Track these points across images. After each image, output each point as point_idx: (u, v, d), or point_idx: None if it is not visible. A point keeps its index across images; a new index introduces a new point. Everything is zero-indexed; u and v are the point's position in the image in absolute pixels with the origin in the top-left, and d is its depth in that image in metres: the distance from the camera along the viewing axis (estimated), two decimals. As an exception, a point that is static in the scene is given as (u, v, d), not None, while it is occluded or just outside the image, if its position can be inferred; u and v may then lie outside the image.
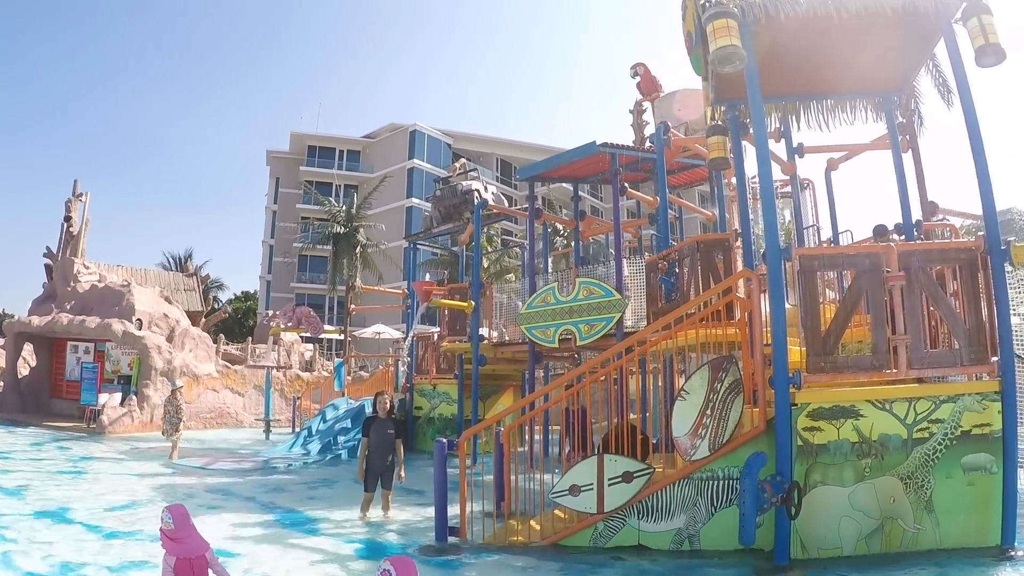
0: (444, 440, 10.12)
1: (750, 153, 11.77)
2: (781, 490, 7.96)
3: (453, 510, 9.97)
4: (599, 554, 9.01)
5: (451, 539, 9.83)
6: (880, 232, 11.56)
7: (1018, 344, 12.25)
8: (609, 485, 9.01)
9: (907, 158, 13.94)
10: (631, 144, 17.68)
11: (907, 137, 14.39)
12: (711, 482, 8.90)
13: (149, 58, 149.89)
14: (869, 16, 9.10)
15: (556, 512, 9.78)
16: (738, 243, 12.14)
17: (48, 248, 32.96)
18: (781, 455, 8.37)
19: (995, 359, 8.70)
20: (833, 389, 8.75)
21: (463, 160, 29.55)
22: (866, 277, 8.76)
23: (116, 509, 11.78)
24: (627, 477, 8.99)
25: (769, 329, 8.86)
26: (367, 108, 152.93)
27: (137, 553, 8.89)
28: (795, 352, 8.85)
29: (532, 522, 9.90)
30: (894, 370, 8.65)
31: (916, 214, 13.09)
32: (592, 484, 9.06)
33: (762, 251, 9.25)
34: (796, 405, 8.50)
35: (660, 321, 10.08)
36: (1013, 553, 8.22)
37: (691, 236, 13.00)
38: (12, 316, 36.06)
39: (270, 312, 50.18)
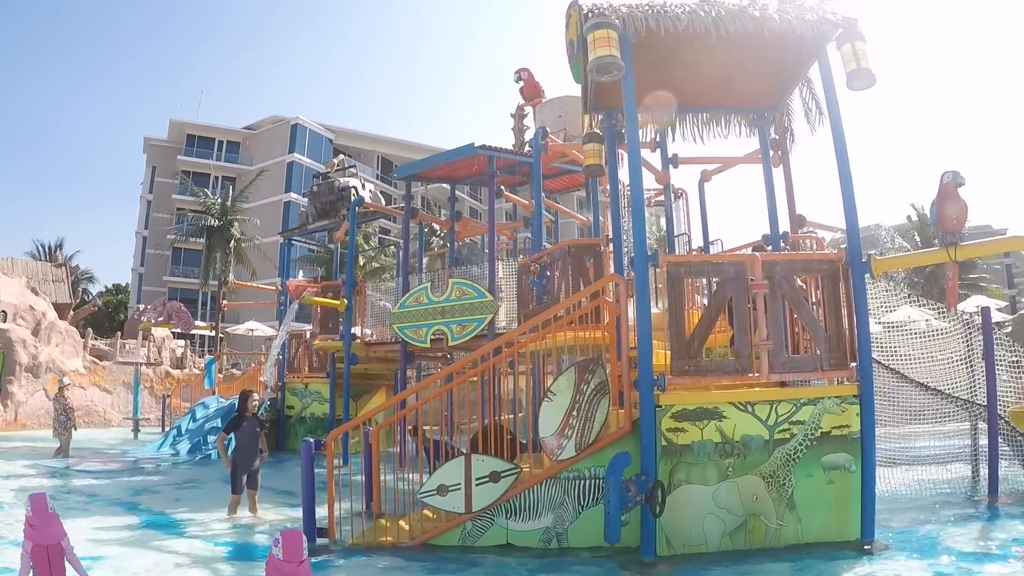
0: (311, 440, 9.99)
1: (625, 161, 12.01)
2: (645, 489, 8.15)
3: (322, 511, 9.85)
4: (468, 553, 9.04)
5: (320, 540, 9.70)
6: (758, 247, 11.95)
7: (877, 350, 12.92)
8: (477, 485, 9.06)
9: (778, 172, 14.49)
10: (511, 148, 17.81)
11: (779, 152, 14.95)
12: (578, 481, 9.03)
13: (23, 37, 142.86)
14: (747, 36, 9.39)
15: (425, 512, 9.78)
16: (609, 249, 12.38)
17: None
18: (646, 455, 8.56)
19: (854, 364, 9.12)
20: (697, 392, 9.01)
21: (342, 156, 29.31)
22: (731, 284, 9.06)
23: None
24: (494, 477, 9.05)
25: (636, 333, 9.03)
26: (250, 99, 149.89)
27: None
28: (661, 355, 9.05)
29: (401, 522, 9.86)
30: (756, 374, 8.95)
31: (785, 226, 13.62)
32: (460, 484, 9.09)
33: (631, 257, 9.46)
34: (660, 407, 8.70)
35: (529, 323, 10.22)
36: (871, 546, 8.65)
37: (564, 240, 13.19)
38: None
39: (141, 306, 48.53)
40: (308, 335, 24.00)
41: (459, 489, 9.10)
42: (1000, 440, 12.26)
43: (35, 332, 27.55)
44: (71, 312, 36.36)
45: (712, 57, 10.46)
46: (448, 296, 14.18)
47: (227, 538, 10.08)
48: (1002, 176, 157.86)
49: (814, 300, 9.63)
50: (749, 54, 10.41)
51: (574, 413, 9.00)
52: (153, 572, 8.33)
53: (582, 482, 9.02)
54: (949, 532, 9.60)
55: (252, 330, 40.65)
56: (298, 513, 10.92)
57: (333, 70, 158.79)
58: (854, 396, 9.04)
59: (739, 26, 9.23)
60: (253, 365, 35.08)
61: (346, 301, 17.67)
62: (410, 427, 11.23)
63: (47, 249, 64.52)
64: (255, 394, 11.94)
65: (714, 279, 9.56)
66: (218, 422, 21.81)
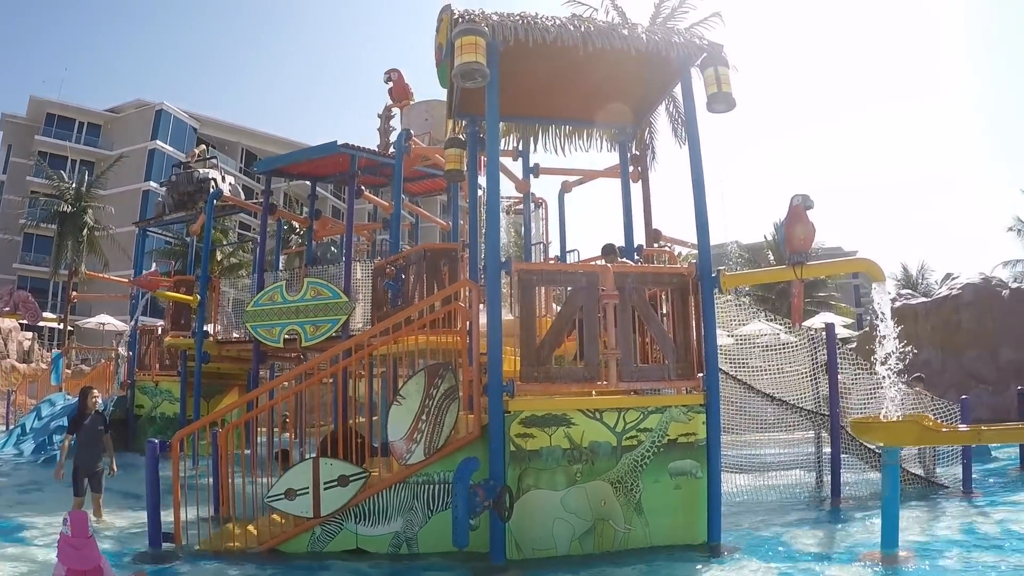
0: (156, 441, 9.73)
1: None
2: (493, 494, 8.26)
3: (169, 515, 9.56)
4: (317, 559, 8.96)
5: (166, 545, 9.45)
6: (608, 251, 12.26)
7: (728, 362, 13.44)
8: (325, 489, 8.99)
9: (638, 187, 14.88)
10: (376, 148, 17.73)
11: (639, 168, 15.32)
12: (427, 486, 9.07)
13: None
14: (614, 53, 9.61)
15: (274, 516, 9.63)
16: (466, 254, 12.48)
17: None
18: (494, 460, 8.67)
19: (701, 375, 9.50)
20: (546, 398, 9.17)
21: (203, 146, 28.55)
22: (582, 294, 9.26)
23: None
24: (343, 481, 9.00)
25: (487, 338, 9.14)
26: (115, 81, 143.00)
27: None
28: (512, 362, 9.18)
29: (250, 527, 9.69)
30: (605, 382, 9.19)
31: (640, 239, 14.00)
32: (308, 488, 9.01)
33: (482, 263, 9.57)
34: (509, 412, 8.83)
35: (380, 325, 10.20)
36: (717, 549, 8.99)
37: (422, 244, 13.23)
38: None
39: (-13, 299, 46.01)
40: (160, 331, 23.31)
41: (307, 493, 9.02)
42: (842, 449, 12.93)
43: None
44: None
45: (579, 72, 10.68)
46: (303, 295, 14.01)
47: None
48: (860, 202, 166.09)
49: (664, 312, 9.92)
50: (616, 71, 10.69)
51: (423, 417, 9.05)
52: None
53: (431, 487, 9.06)
54: (795, 534, 10.08)
55: (103, 324, 39.20)
56: (145, 517, 10.61)
57: (204, 58, 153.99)
58: (700, 405, 9.42)
59: (607, 43, 9.43)
60: (103, 361, 33.82)
61: (199, 297, 17.23)
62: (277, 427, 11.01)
63: None
64: (95, 391, 11.53)
65: (567, 288, 9.74)
66: (64, 421, 20.95)
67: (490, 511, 8.40)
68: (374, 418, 11.09)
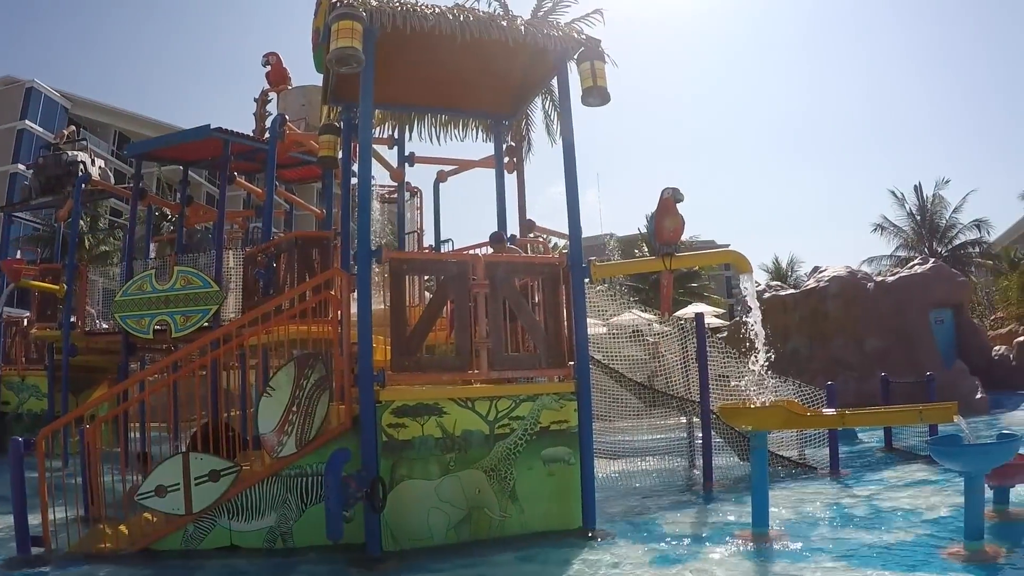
0: (20, 439, 9.37)
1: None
2: (366, 485, 8.28)
3: (37, 517, 9.23)
4: (192, 557, 8.82)
5: (35, 549, 9.14)
6: (497, 239, 12.32)
7: (599, 351, 13.70)
8: (196, 484, 8.85)
9: (512, 178, 15.00)
10: (251, 133, 17.42)
11: (514, 159, 15.45)
12: (300, 479, 9.04)
13: None
14: (492, 43, 9.71)
15: (145, 515, 9.43)
16: (338, 242, 12.42)
17: None
18: (366, 451, 8.70)
19: (572, 363, 9.71)
20: (418, 388, 9.24)
21: (73, 127, 27.45)
22: (453, 283, 9.37)
23: None
24: (214, 476, 8.89)
25: (357, 328, 9.14)
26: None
27: None
28: (383, 351, 9.21)
29: (122, 527, 9.47)
30: (476, 371, 9.32)
31: (514, 230, 14.14)
32: (179, 484, 8.85)
33: (353, 252, 9.54)
34: (381, 402, 8.85)
35: (250, 314, 10.10)
36: (593, 534, 9.21)
37: (294, 231, 13.07)
38: None
39: None
40: (26, 323, 22.40)
41: (178, 490, 8.86)
42: (714, 433, 13.33)
43: None
44: None
45: (457, 61, 10.73)
46: (173, 285, 13.66)
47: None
48: (734, 197, 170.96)
49: (536, 301, 10.08)
50: (493, 62, 10.80)
51: (294, 409, 9.01)
52: None
53: (305, 479, 9.03)
54: (669, 517, 10.37)
55: (-35, 315, 37.36)
56: (11, 520, 10.22)
57: (81, 36, 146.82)
58: (571, 393, 9.63)
59: (484, 33, 9.51)
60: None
61: (66, 286, 16.61)
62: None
63: None
64: None
65: (438, 277, 9.80)
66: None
67: (364, 503, 8.41)
68: (249, 410, 10.94)
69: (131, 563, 8.71)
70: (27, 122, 66.52)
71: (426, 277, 11.51)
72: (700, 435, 13.79)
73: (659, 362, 14.89)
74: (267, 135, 15.90)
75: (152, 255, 20.48)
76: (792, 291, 29.31)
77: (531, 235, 17.79)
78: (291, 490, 9.03)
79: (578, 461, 9.54)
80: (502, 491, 9.23)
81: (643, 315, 16.88)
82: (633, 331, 15.58)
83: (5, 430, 20.58)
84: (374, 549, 8.60)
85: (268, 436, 8.99)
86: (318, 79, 12.42)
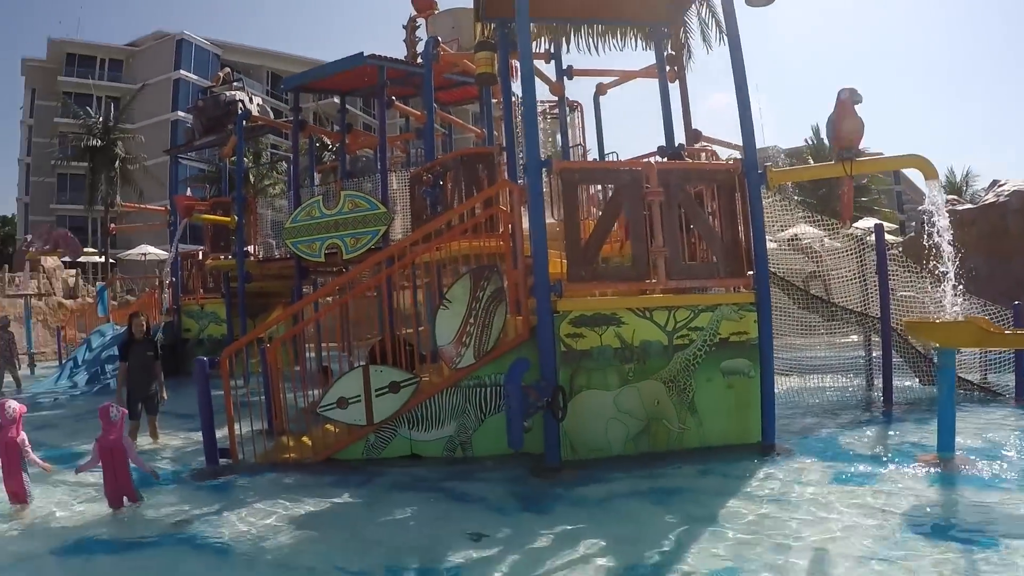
0: (205, 359, 9.71)
1: (518, 71, 11.82)
2: (546, 394, 8.16)
3: (223, 432, 9.66)
4: (372, 465, 9.00)
5: (223, 461, 9.56)
6: (667, 150, 11.90)
7: (773, 265, 13.14)
8: (376, 396, 8.98)
9: (675, 88, 14.47)
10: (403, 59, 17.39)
11: (675, 68, 14.88)
12: (479, 389, 9.04)
13: None
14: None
15: (327, 427, 9.65)
16: (503, 158, 12.26)
17: None
18: (545, 361, 8.54)
19: (751, 273, 9.27)
20: (595, 298, 9.03)
21: (227, 69, 28.16)
22: (626, 191, 9.04)
23: None
24: (394, 387, 8.99)
25: (530, 240, 8.97)
26: (132, 15, 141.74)
27: None
28: (558, 264, 9.02)
29: (304, 438, 9.76)
30: (653, 280, 9.01)
31: (680, 140, 13.67)
32: (359, 396, 9.01)
33: (524, 163, 9.35)
34: (558, 313, 8.69)
35: (420, 231, 10.05)
36: (772, 448, 8.89)
37: (458, 149, 12.96)
38: None
39: (28, 237, 46.27)
40: (201, 255, 23.36)
41: (359, 401, 9.02)
42: (894, 352, 12.65)
43: None
44: None
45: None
46: (341, 209, 13.84)
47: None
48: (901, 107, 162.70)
49: (711, 210, 9.68)
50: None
51: (471, 321, 8.97)
52: (58, 508, 8.06)
53: (483, 390, 9.03)
54: (848, 436, 9.86)
55: (145, 254, 39.42)
56: (199, 435, 10.65)
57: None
58: (751, 304, 9.21)
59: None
60: (148, 290, 34.08)
61: (237, 218, 17.12)
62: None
63: None
64: (141, 316, 11.54)
65: (609, 186, 9.52)
66: (115, 350, 21.07)
67: (544, 412, 8.33)
68: (420, 328, 10.99)
69: (315, 471, 8.95)
70: (182, 72, 69.33)
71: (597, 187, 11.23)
72: (879, 353, 13.09)
73: (833, 276, 14.24)
74: (420, 60, 15.81)
75: (316, 183, 20.92)
76: (969, 206, 27.57)
77: (698, 145, 17.20)
78: (470, 400, 9.05)
79: (758, 374, 9.16)
80: (681, 403, 8.98)
81: (813, 228, 16.19)
82: (803, 244, 14.94)
83: (188, 355, 21.66)
84: (553, 459, 8.53)
85: (446, 348, 9.00)
86: (462, 1, 12.19)
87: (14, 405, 8.00)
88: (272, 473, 9.06)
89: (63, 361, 24.13)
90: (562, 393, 8.31)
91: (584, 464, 8.54)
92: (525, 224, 9.38)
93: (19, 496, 7.96)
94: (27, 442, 7.97)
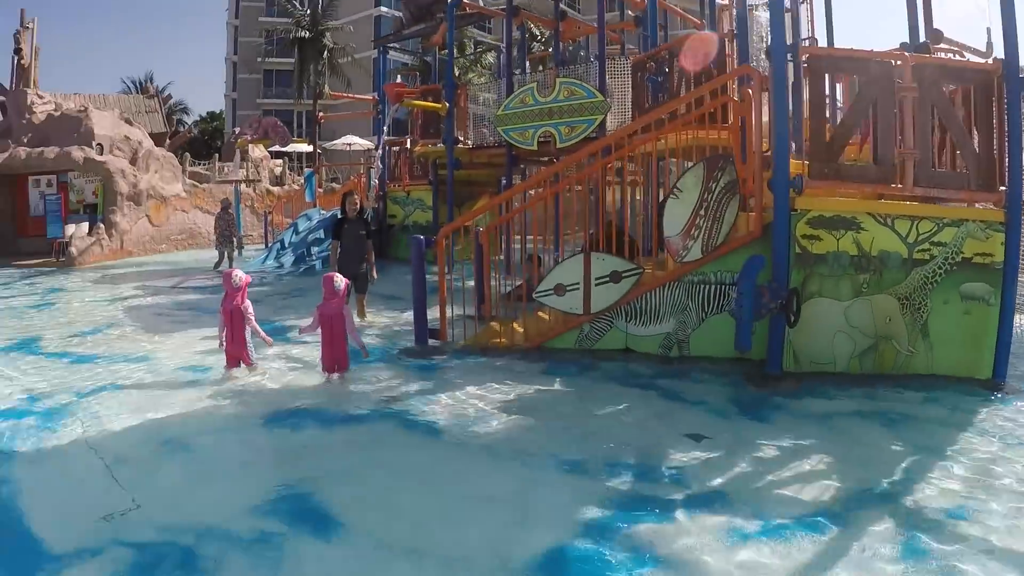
0: (420, 237, 9.60)
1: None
2: (780, 296, 7.58)
3: (432, 313, 9.63)
4: (584, 356, 8.72)
5: (432, 341, 9.54)
6: (915, 46, 10.80)
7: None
8: (596, 285, 8.61)
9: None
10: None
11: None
12: (703, 286, 8.50)
13: None
14: None
15: (540, 314, 9.43)
16: (731, 48, 11.46)
17: (0, 85, 30.47)
18: (778, 261, 7.92)
19: (1003, 189, 8.21)
20: (836, 199, 8.28)
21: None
22: (876, 85, 8.14)
23: (85, 334, 11.20)
24: (615, 277, 8.57)
25: (765, 134, 8.26)
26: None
27: (105, 376, 8.42)
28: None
29: (515, 324, 9.58)
30: (899, 185, 8.16)
31: (923, 37, 12.44)
32: (578, 284, 8.66)
33: (766, 46, 8.57)
34: (796, 211, 7.99)
35: (644, 118, 9.44)
36: (1002, 387, 7.89)
37: (683, 35, 12.13)
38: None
39: (237, 129, 48.26)
40: (408, 143, 23.52)
41: (577, 289, 8.68)
42: None
43: (132, 161, 27.03)
44: (167, 141, 35.57)
45: None
46: (556, 96, 13.34)
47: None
48: None
49: (962, 115, 8.62)
50: None
51: (701, 212, 8.35)
52: (265, 378, 8.26)
53: (707, 287, 8.49)
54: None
55: (350, 144, 40.27)
56: (406, 315, 10.70)
57: None
58: (1000, 223, 8.13)
59: None
60: (352, 178, 34.92)
61: (447, 104, 16.92)
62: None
63: (137, 85, 63.59)
64: (355, 195, 11.57)
65: (857, 78, 8.65)
66: (320, 234, 21.86)
67: (772, 317, 7.76)
68: (639, 217, 10.52)
69: (525, 358, 8.77)
70: (384, -33, 69.58)
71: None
72: None
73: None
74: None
75: (527, 71, 20.47)
76: None
77: (940, 46, 15.70)
78: (692, 297, 8.53)
79: (998, 303, 8.12)
80: (913, 324, 8.13)
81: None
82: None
83: (393, 240, 22.14)
84: (774, 367, 7.96)
85: (673, 239, 8.45)
86: None
87: (240, 274, 8.31)
88: (481, 357, 8.97)
89: (270, 244, 25.03)
90: (797, 296, 7.71)
91: (804, 377, 7.94)
92: (757, 113, 8.67)
93: (243, 358, 8.34)
94: (251, 310, 8.30)
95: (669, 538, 4.40)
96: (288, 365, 8.81)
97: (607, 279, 8.60)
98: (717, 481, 5.25)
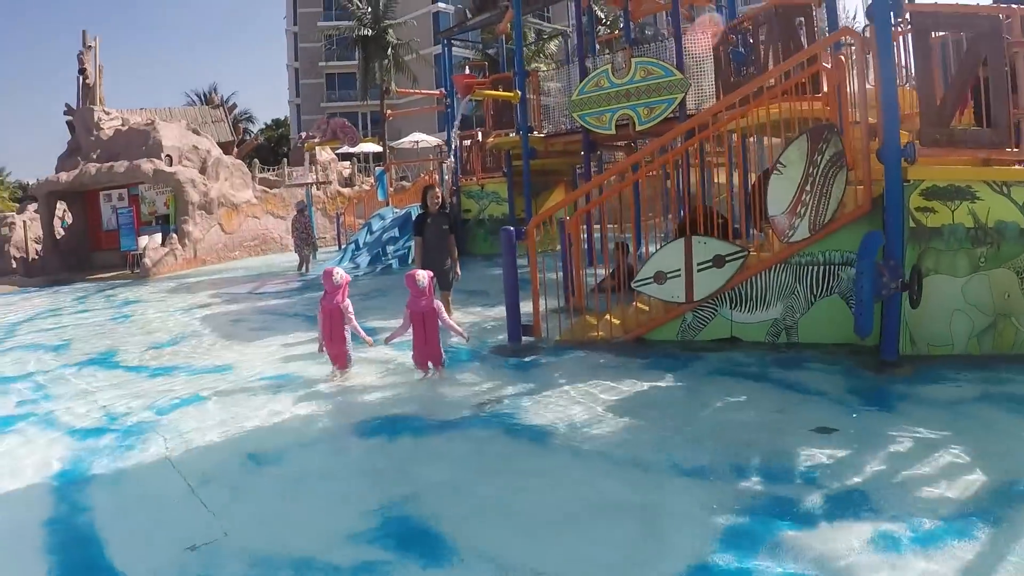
0: (511, 228, 9.22)
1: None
2: (899, 275, 7.05)
3: (523, 308, 9.24)
4: (687, 348, 8.28)
5: (525, 338, 9.15)
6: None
7: None
8: (699, 271, 8.14)
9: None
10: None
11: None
12: (811, 267, 7.96)
13: None
14: None
15: (637, 304, 8.99)
16: (819, 12, 10.88)
17: (67, 105, 30.92)
18: (893, 237, 7.35)
19: None
20: (949, 167, 7.68)
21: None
22: (985, 42, 7.52)
23: (163, 346, 11.17)
24: (718, 261, 8.08)
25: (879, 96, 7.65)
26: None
27: (185, 389, 8.26)
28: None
29: (610, 316, 9.16)
30: (1014, 149, 7.56)
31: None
32: (679, 270, 8.19)
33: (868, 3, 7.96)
34: (908, 182, 7.42)
35: (736, 93, 8.84)
36: None
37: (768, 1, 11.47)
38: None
39: (303, 134, 48.50)
40: (479, 135, 23.20)
41: (679, 276, 8.21)
42: None
43: (202, 170, 27.37)
44: (234, 149, 35.88)
45: None
46: (632, 77, 12.80)
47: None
48: None
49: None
50: None
51: (807, 188, 7.78)
52: (356, 383, 8.01)
53: (815, 268, 7.95)
54: None
55: (417, 142, 40.19)
56: (493, 312, 10.39)
57: None
58: (1123, 193, 7.46)
59: None
60: (422, 175, 34.79)
61: (519, 92, 16.51)
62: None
63: (202, 97, 64.87)
64: (437, 188, 11.23)
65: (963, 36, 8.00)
66: (395, 232, 21.84)
67: (888, 298, 7.23)
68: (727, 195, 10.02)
69: (624, 351, 8.35)
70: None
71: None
72: None
73: None
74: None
75: (597, 53, 19.91)
76: None
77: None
78: (800, 279, 8.02)
79: None
80: (1033, 299, 7.50)
81: None
82: None
83: (468, 235, 21.88)
84: (890, 352, 7.39)
85: (778, 218, 7.90)
86: None
87: (342, 272, 8.17)
88: (578, 351, 8.58)
89: (343, 245, 24.92)
90: (918, 275, 7.18)
91: (921, 361, 7.38)
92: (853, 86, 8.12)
93: (340, 361, 8.20)
94: (351, 309, 8.11)
95: (817, 548, 3.96)
96: (378, 368, 8.53)
97: (710, 264, 8.12)
98: (855, 480, 4.79)
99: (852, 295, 7.74)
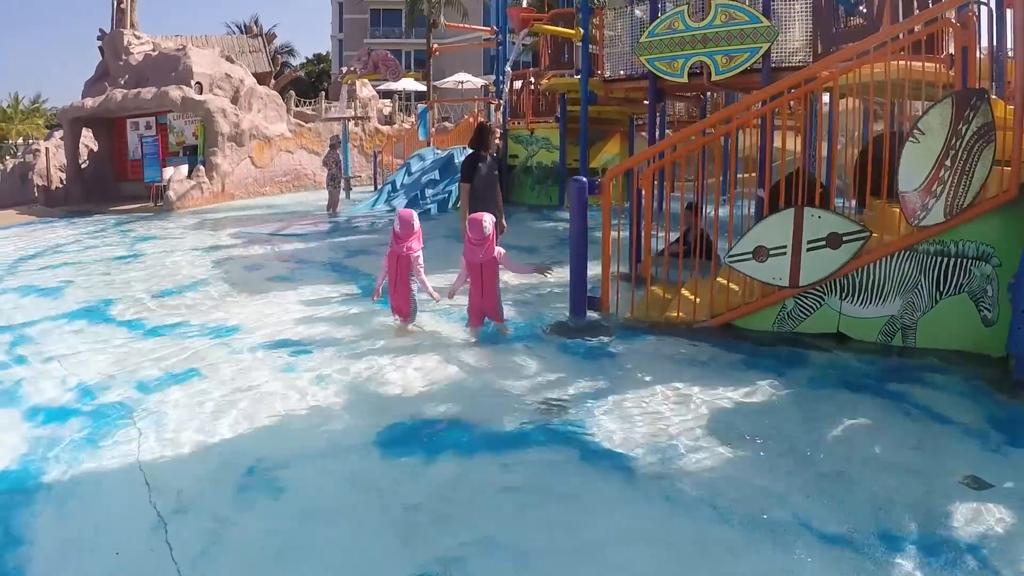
0: (584, 179, 7.77)
1: None
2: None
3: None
4: (784, 341, 6.95)
5: (590, 314, 7.81)
6: None
7: None
8: (808, 250, 6.72)
9: None
10: None
11: None
12: (939, 259, 6.52)
13: None
14: None
15: (720, 280, 7.62)
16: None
17: (101, 30, 29.80)
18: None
19: None
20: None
21: None
22: None
23: (165, 295, 10.06)
24: (834, 241, 6.61)
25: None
26: None
27: (178, 358, 7.03)
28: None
29: (686, 292, 7.83)
30: None
31: None
32: (785, 247, 6.77)
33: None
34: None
35: (852, 48, 7.40)
36: None
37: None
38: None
39: (344, 68, 46.83)
40: (532, 76, 21.70)
41: (784, 254, 6.80)
42: None
43: (234, 100, 26.17)
44: (272, 80, 34.68)
45: None
46: (711, 21, 11.30)
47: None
48: None
49: None
50: None
51: (947, 163, 6.31)
52: (380, 339, 7.18)
53: (944, 260, 6.50)
54: None
55: (462, 82, 38.80)
56: (555, 277, 9.02)
57: None
58: None
59: None
60: (466, 116, 33.37)
61: (582, 30, 15.04)
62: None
63: (242, 28, 62.67)
64: (492, 125, 9.83)
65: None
66: (435, 174, 20.69)
67: (1024, 308, 5.82)
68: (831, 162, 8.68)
69: (710, 339, 7.09)
70: None
71: None
72: None
73: None
74: None
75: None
76: None
77: None
78: (925, 272, 6.57)
79: None
80: None
81: None
82: None
83: (514, 182, 20.56)
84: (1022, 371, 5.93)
85: (910, 195, 6.43)
86: None
87: (416, 216, 7.74)
88: (651, 336, 7.28)
89: (379, 186, 23.96)
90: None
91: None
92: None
93: (402, 311, 7.70)
94: (421, 260, 7.63)
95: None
96: (429, 329, 7.80)
97: (822, 243, 6.68)
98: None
99: (983, 296, 6.40)
